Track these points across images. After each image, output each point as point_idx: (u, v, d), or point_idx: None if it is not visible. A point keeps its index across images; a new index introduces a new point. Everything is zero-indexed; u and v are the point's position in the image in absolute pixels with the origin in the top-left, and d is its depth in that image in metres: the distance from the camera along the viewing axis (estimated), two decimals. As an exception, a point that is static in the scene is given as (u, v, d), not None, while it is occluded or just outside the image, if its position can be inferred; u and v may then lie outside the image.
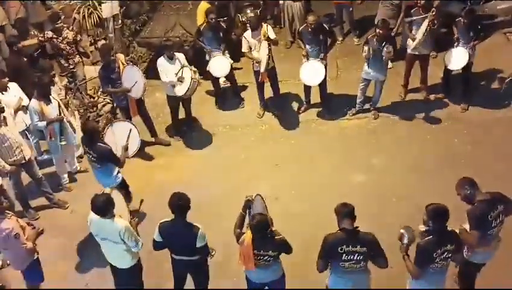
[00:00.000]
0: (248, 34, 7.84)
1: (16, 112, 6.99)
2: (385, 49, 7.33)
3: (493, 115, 7.78)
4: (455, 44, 7.62)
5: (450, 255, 4.45)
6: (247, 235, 4.59)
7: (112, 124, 6.68)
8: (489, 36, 8.15)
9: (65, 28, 8.19)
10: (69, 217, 6.88)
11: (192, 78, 7.45)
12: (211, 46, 8.10)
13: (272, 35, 7.77)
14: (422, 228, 4.50)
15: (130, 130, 6.37)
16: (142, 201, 5.37)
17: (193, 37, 8.56)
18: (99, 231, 4.98)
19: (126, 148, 6.18)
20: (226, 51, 8.25)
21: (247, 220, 4.78)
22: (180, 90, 7.54)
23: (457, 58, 7.57)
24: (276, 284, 4.86)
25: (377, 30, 7.38)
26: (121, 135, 6.35)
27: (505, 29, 9.09)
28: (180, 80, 7.48)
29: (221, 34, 8.12)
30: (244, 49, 7.91)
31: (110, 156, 5.97)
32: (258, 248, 4.56)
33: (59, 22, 8.17)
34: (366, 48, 7.44)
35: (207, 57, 8.22)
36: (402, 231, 4.54)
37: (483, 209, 4.57)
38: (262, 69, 7.70)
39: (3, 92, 6.99)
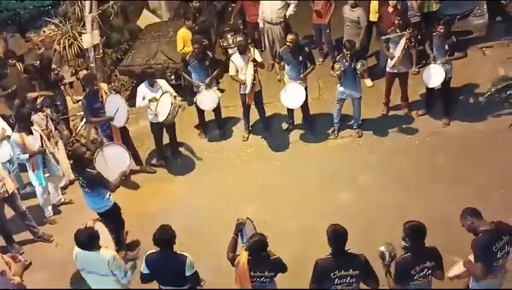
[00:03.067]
0: (236, 57, 7.89)
1: (0, 141, 6.90)
2: (358, 65, 7.41)
3: (475, 128, 7.89)
4: (431, 61, 7.75)
5: (429, 271, 4.45)
6: (243, 257, 4.55)
7: (102, 148, 6.63)
8: (466, 53, 8.31)
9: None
10: (54, 250, 6.75)
11: (172, 104, 7.43)
12: (198, 77, 8.06)
13: (259, 59, 7.86)
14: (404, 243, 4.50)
15: (121, 153, 6.36)
16: (127, 233, 5.28)
17: (178, 67, 8.54)
18: (85, 264, 4.87)
19: (124, 175, 6.13)
20: (214, 84, 8.22)
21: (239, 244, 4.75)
22: (161, 116, 7.52)
23: (434, 75, 7.68)
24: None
25: (344, 50, 7.52)
26: (112, 158, 6.33)
27: (481, 44, 9.29)
28: (152, 100, 7.42)
29: (207, 63, 8.04)
30: (232, 72, 7.95)
31: (99, 180, 5.91)
32: (254, 268, 4.52)
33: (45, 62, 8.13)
34: (336, 66, 7.51)
35: (194, 88, 8.21)
36: (382, 248, 4.54)
37: (487, 240, 4.43)
38: (247, 90, 7.73)
39: None
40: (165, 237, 4.62)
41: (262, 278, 4.56)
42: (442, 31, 7.54)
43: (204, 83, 8.01)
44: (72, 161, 6.26)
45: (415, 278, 4.40)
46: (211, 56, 8.19)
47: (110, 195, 6.12)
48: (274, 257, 4.59)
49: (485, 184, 6.69)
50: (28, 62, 8.44)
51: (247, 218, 4.93)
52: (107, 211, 6.04)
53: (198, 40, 8.01)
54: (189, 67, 8.09)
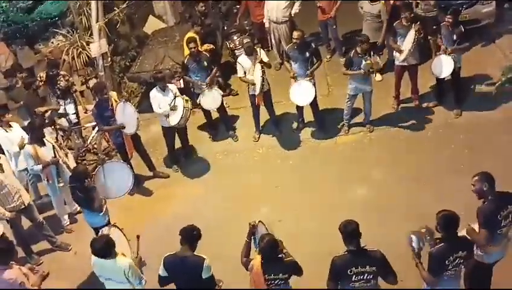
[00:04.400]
0: (242, 59, 7.91)
1: (20, 149, 6.99)
2: (370, 60, 7.39)
3: (487, 118, 7.80)
4: (440, 52, 7.69)
5: (462, 261, 4.45)
6: (256, 260, 4.56)
7: (103, 165, 6.63)
8: (474, 44, 8.24)
9: (60, 76, 8.20)
10: (73, 258, 6.83)
11: (184, 107, 7.48)
12: (199, 77, 8.11)
13: (265, 59, 7.89)
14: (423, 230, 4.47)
15: (122, 173, 6.41)
16: (138, 237, 5.30)
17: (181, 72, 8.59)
18: (102, 271, 4.93)
19: (111, 192, 6.20)
20: (214, 84, 8.24)
21: (253, 247, 4.75)
22: (173, 120, 7.57)
23: (444, 65, 7.62)
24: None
25: (357, 47, 7.49)
26: (111, 176, 6.34)
27: (491, 32, 9.18)
28: (173, 108, 7.51)
29: (205, 63, 8.10)
30: (240, 74, 7.97)
31: (83, 203, 6.11)
32: (269, 271, 4.52)
33: (54, 70, 8.20)
34: (367, 60, 7.43)
35: (196, 90, 8.23)
36: (412, 235, 4.50)
37: (493, 208, 4.57)
38: (257, 92, 7.75)
39: (7, 130, 7.03)
40: (196, 233, 4.71)
41: (277, 280, 4.55)
42: (450, 20, 7.49)
43: (205, 83, 8.04)
44: (71, 175, 6.29)
45: (449, 268, 4.40)
46: (208, 56, 8.22)
47: (104, 213, 6.14)
48: (288, 259, 4.58)
49: (499, 173, 6.56)
50: (37, 74, 8.53)
51: (259, 221, 4.92)
52: (102, 227, 6.06)
53: (192, 40, 8.06)
54: (189, 69, 8.13)
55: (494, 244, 4.70)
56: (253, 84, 7.80)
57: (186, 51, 8.68)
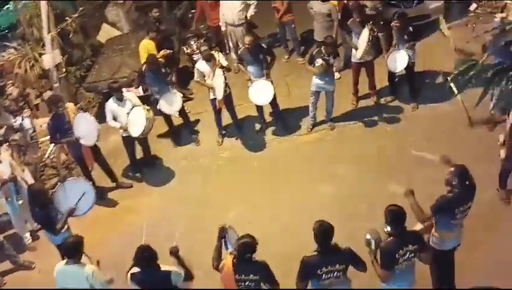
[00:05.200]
0: (200, 64, 7.87)
1: None
2: (335, 61, 7.65)
3: (442, 110, 8.05)
4: (394, 47, 7.88)
5: (412, 255, 4.55)
6: (227, 260, 4.55)
7: (64, 182, 6.43)
8: (424, 36, 8.48)
9: (9, 85, 7.96)
10: (37, 276, 6.62)
11: (147, 118, 7.38)
12: (157, 86, 8.02)
13: (224, 63, 7.89)
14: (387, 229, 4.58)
15: (83, 191, 6.14)
16: (98, 262, 5.19)
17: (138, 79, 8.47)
18: (66, 280, 4.85)
19: (70, 213, 5.97)
20: (174, 88, 8.17)
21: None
22: (136, 131, 7.45)
23: (398, 60, 7.82)
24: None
25: (323, 46, 7.60)
26: (72, 195, 6.08)
27: (440, 26, 9.49)
28: (126, 126, 7.38)
29: (162, 70, 8.04)
30: (197, 78, 7.94)
31: (41, 223, 6.02)
32: (239, 272, 4.51)
33: (1, 79, 7.95)
34: (318, 63, 7.55)
35: (155, 96, 8.13)
36: (367, 236, 4.62)
37: (454, 201, 4.75)
38: (219, 97, 7.73)
39: None
40: (147, 254, 4.59)
41: (247, 282, 4.54)
42: (397, 25, 7.71)
43: (165, 89, 7.98)
44: (27, 194, 6.07)
45: (399, 262, 4.49)
46: (164, 62, 8.16)
47: (65, 229, 5.96)
48: (260, 260, 4.57)
49: (460, 160, 6.80)
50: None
51: (229, 225, 4.91)
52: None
53: (146, 51, 8.01)
54: (146, 78, 8.03)
55: (448, 231, 4.88)
56: (213, 88, 7.77)
57: (143, 58, 8.58)
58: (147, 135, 7.74)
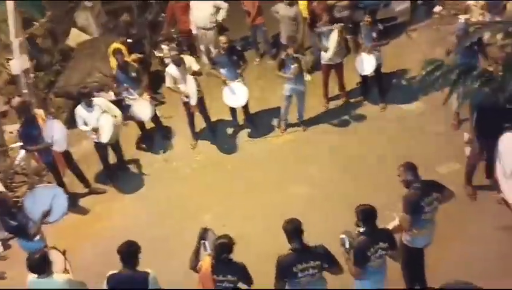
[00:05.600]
0: (171, 68, 7.85)
1: None
2: (298, 64, 7.67)
3: (410, 110, 8.26)
4: (362, 50, 8.05)
5: (384, 252, 4.67)
6: (206, 261, 4.58)
7: (32, 189, 6.31)
8: (392, 38, 8.69)
9: None
10: (10, 286, 6.49)
11: (113, 124, 7.33)
12: (127, 90, 7.98)
13: (196, 67, 7.88)
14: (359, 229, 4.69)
15: (54, 196, 6.04)
16: (64, 252, 5.16)
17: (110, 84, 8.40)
18: None
19: (44, 216, 5.88)
20: (146, 93, 8.13)
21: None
22: (103, 137, 7.41)
23: (366, 63, 8.01)
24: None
25: (288, 49, 7.69)
26: (43, 201, 5.96)
27: (407, 28, 9.74)
28: (94, 130, 7.34)
29: (133, 73, 8.00)
30: (168, 84, 7.92)
31: (17, 231, 5.81)
32: (217, 272, 4.55)
33: None
34: (294, 66, 7.64)
35: (126, 101, 8.08)
36: (342, 236, 4.72)
37: (417, 194, 4.88)
38: (193, 102, 7.75)
39: None
40: (131, 249, 4.60)
41: (225, 282, 4.59)
42: (369, 20, 7.89)
43: (137, 94, 7.94)
44: None
45: (372, 259, 4.61)
46: (136, 66, 8.13)
47: (41, 236, 5.90)
48: (238, 262, 4.63)
49: (428, 158, 7.02)
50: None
51: (208, 228, 4.95)
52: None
53: (118, 51, 7.95)
54: (119, 81, 7.98)
55: (419, 228, 5.00)
56: (186, 95, 7.76)
57: (113, 62, 8.53)
58: (114, 141, 7.68)
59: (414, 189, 4.92)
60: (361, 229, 4.61)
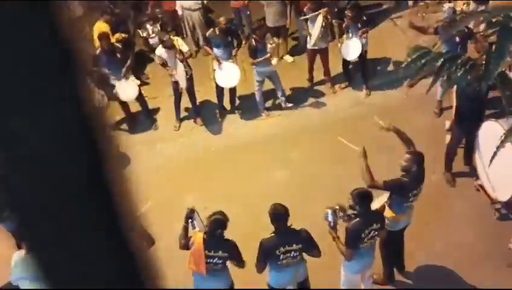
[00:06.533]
0: (160, 50, 7.76)
1: None
2: (273, 42, 7.76)
3: (394, 97, 8.34)
4: (348, 35, 8.07)
5: (376, 233, 4.78)
6: (198, 236, 4.64)
7: None
8: (376, 25, 8.72)
9: None
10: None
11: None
12: (111, 71, 7.89)
13: (185, 48, 7.82)
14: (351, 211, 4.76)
15: None
16: None
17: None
18: (27, 269, 4.72)
19: None
20: (130, 73, 8.04)
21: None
22: None
23: (352, 48, 8.03)
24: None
25: (254, 35, 7.81)
26: None
27: (392, 15, 9.78)
28: None
29: (118, 56, 7.91)
30: (159, 62, 7.84)
31: None
32: (209, 248, 4.61)
33: None
34: (271, 44, 7.69)
35: (111, 82, 7.99)
36: (327, 210, 4.77)
37: (406, 185, 4.98)
38: (182, 85, 7.71)
39: None
40: None
41: (216, 258, 4.65)
42: (350, 15, 7.89)
43: (121, 72, 7.86)
44: None
45: (364, 241, 4.71)
46: (120, 46, 8.04)
47: None
48: (229, 239, 4.70)
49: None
50: None
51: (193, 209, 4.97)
52: None
53: (104, 36, 7.87)
54: (101, 62, 7.87)
55: (401, 214, 5.14)
56: (176, 77, 7.70)
57: (97, 42, 8.38)
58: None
59: (409, 178, 4.96)
60: (356, 211, 4.68)
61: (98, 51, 7.86)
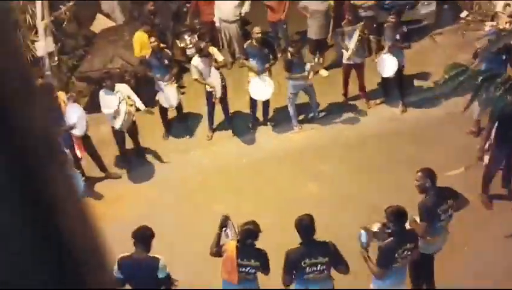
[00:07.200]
0: (196, 60, 7.88)
1: None
2: (316, 61, 7.70)
3: (430, 114, 8.19)
4: (384, 51, 7.98)
5: (409, 253, 4.65)
6: (230, 245, 4.64)
7: None
8: (416, 41, 8.60)
9: None
10: None
11: (125, 112, 7.37)
12: (159, 75, 8.04)
13: (220, 58, 7.92)
14: (375, 227, 4.66)
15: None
16: None
17: (135, 69, 8.45)
18: None
19: None
20: (174, 80, 8.19)
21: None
22: (116, 124, 7.48)
23: (388, 64, 7.94)
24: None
25: (289, 48, 7.81)
26: None
27: (432, 32, 9.63)
28: (116, 113, 7.41)
29: (166, 61, 8.07)
30: (195, 75, 7.92)
31: None
32: (241, 256, 4.60)
33: None
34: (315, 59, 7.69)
35: (156, 87, 8.16)
36: (361, 231, 4.66)
37: (434, 202, 4.84)
38: (218, 95, 7.79)
39: None
40: (146, 234, 4.68)
41: (249, 267, 4.64)
42: (393, 20, 7.81)
43: (168, 77, 8.00)
44: None
45: (397, 260, 4.60)
46: (170, 53, 8.21)
47: None
48: (260, 248, 4.68)
49: (442, 165, 6.95)
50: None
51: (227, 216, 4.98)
52: None
53: (154, 36, 8.04)
54: (150, 66, 8.05)
55: (434, 236, 4.97)
56: (211, 86, 7.79)
57: (137, 50, 8.58)
58: (131, 127, 7.72)
59: (431, 196, 4.86)
60: (390, 230, 4.59)
61: (148, 56, 8.05)
